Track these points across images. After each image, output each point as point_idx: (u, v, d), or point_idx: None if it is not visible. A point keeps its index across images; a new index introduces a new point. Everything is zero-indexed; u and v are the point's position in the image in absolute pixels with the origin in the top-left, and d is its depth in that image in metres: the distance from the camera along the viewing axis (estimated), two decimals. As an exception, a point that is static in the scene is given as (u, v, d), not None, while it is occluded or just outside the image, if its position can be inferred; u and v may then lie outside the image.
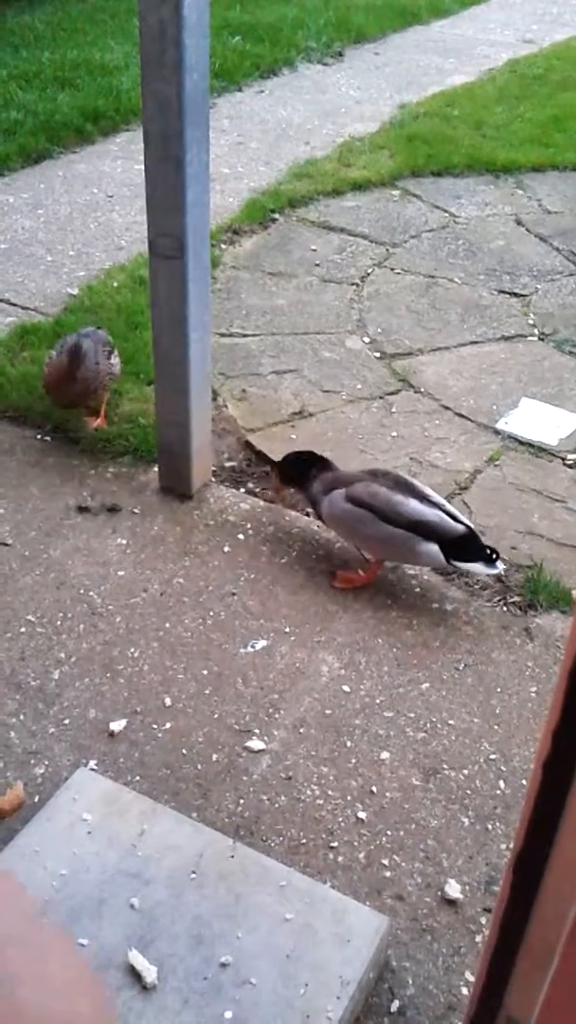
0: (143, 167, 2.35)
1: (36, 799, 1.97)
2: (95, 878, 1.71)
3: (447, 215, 4.72)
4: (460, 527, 2.43)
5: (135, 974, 1.57)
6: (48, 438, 3.03)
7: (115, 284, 3.84)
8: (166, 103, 2.21)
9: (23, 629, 2.38)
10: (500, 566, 2.44)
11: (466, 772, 2.10)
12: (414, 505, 2.45)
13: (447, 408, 3.32)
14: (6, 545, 2.62)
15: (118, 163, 5.06)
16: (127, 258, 4.08)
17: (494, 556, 2.42)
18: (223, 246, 4.27)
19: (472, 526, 2.47)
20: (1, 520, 2.71)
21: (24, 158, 4.99)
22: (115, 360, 2.98)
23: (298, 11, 7.49)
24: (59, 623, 2.40)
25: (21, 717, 2.16)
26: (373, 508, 2.45)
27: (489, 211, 4.78)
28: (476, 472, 3.01)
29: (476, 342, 3.72)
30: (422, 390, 3.41)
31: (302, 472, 2.63)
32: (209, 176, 2.39)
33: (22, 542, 2.64)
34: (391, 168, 5.09)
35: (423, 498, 2.48)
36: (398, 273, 4.19)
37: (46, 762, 2.06)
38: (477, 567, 2.43)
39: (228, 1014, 1.53)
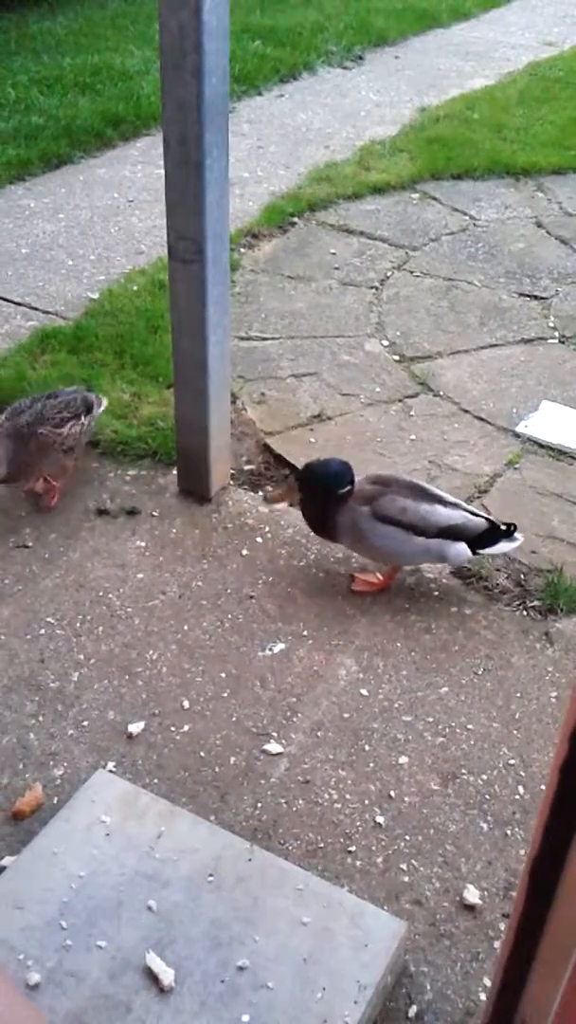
0: (163, 171, 2.36)
1: (55, 800, 1.98)
2: (113, 880, 1.72)
3: (467, 218, 4.71)
4: (483, 521, 2.44)
5: (152, 976, 1.57)
6: (94, 416, 3.04)
7: (135, 288, 3.86)
8: (186, 107, 2.21)
9: (43, 631, 2.39)
10: (519, 536, 2.47)
11: (485, 777, 2.09)
12: (441, 511, 2.42)
13: (466, 411, 3.31)
14: (27, 547, 2.63)
15: (138, 168, 5.08)
16: (147, 262, 4.10)
17: (512, 529, 2.45)
18: (242, 250, 4.28)
19: (487, 516, 2.48)
20: (22, 523, 2.73)
21: (45, 163, 5.02)
22: (72, 429, 2.69)
23: (318, 15, 7.50)
24: (79, 625, 2.41)
25: (40, 718, 2.17)
26: (403, 523, 2.40)
27: (509, 214, 4.77)
28: (495, 476, 3.00)
29: (496, 345, 3.71)
30: (441, 393, 3.40)
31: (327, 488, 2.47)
32: (228, 180, 2.39)
33: (42, 544, 2.65)
34: (411, 171, 5.09)
35: (442, 501, 2.47)
36: (417, 276, 4.18)
37: (65, 763, 2.07)
38: (501, 547, 2.46)
39: (245, 1018, 1.53)
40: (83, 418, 2.75)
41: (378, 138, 5.53)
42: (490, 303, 3.98)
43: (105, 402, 2.94)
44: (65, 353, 3.41)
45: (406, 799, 2.03)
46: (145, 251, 4.23)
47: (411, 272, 4.21)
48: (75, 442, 2.73)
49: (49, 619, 2.42)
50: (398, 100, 6.24)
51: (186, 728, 2.16)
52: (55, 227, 4.43)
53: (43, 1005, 1.54)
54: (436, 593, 2.56)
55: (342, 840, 1.94)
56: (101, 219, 4.53)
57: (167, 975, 1.57)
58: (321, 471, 2.45)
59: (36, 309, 3.76)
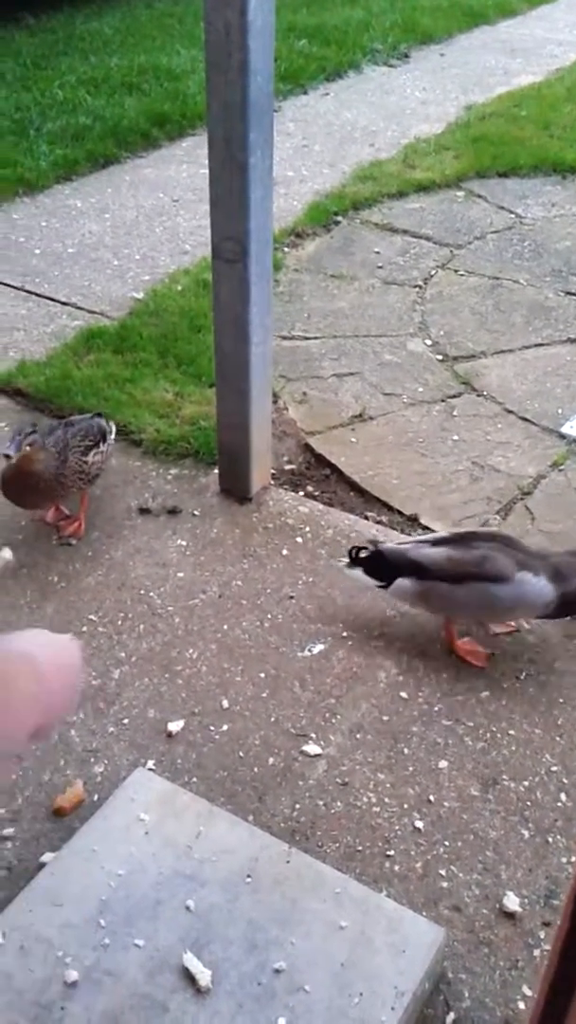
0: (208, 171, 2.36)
1: (95, 797, 1.99)
2: (151, 879, 1.72)
3: (513, 216, 4.66)
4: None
5: (189, 977, 1.57)
6: (111, 442, 3.06)
7: (179, 288, 3.87)
8: (231, 107, 2.21)
9: (85, 628, 2.40)
10: None
11: (526, 783, 2.06)
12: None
13: (510, 411, 3.28)
14: (70, 545, 2.65)
15: (184, 167, 5.10)
16: (191, 262, 4.11)
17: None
18: (286, 249, 4.27)
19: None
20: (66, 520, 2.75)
21: (92, 163, 5.06)
22: (94, 457, 2.62)
23: (364, 13, 7.47)
24: (120, 623, 2.42)
25: (82, 715, 2.18)
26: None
27: (556, 212, 4.71)
28: (540, 477, 2.96)
29: (541, 344, 3.67)
30: (485, 393, 3.37)
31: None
32: (272, 179, 2.39)
33: (85, 542, 2.67)
34: (456, 169, 5.05)
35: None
36: (462, 275, 4.15)
37: (105, 761, 2.08)
38: None
39: (281, 1021, 1.53)
40: (102, 445, 2.67)
41: (423, 136, 5.50)
42: (535, 302, 3.94)
43: (114, 429, 2.84)
44: (109, 353, 3.43)
45: (445, 804, 2.01)
46: (189, 251, 4.25)
47: (455, 271, 4.18)
48: (98, 470, 2.67)
49: (91, 616, 2.44)
50: (444, 98, 6.19)
51: (225, 728, 2.16)
52: (101, 227, 4.46)
53: (80, 1003, 1.55)
54: (478, 596, 2.54)
55: (380, 844, 1.93)
56: (146, 219, 4.56)
57: (204, 976, 1.57)
58: None
59: (82, 309, 3.79)
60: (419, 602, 2.36)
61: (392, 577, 2.34)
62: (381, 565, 2.36)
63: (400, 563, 2.33)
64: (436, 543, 2.36)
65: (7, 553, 2.50)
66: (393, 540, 2.55)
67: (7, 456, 2.42)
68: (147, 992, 1.56)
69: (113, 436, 2.80)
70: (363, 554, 2.39)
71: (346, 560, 2.42)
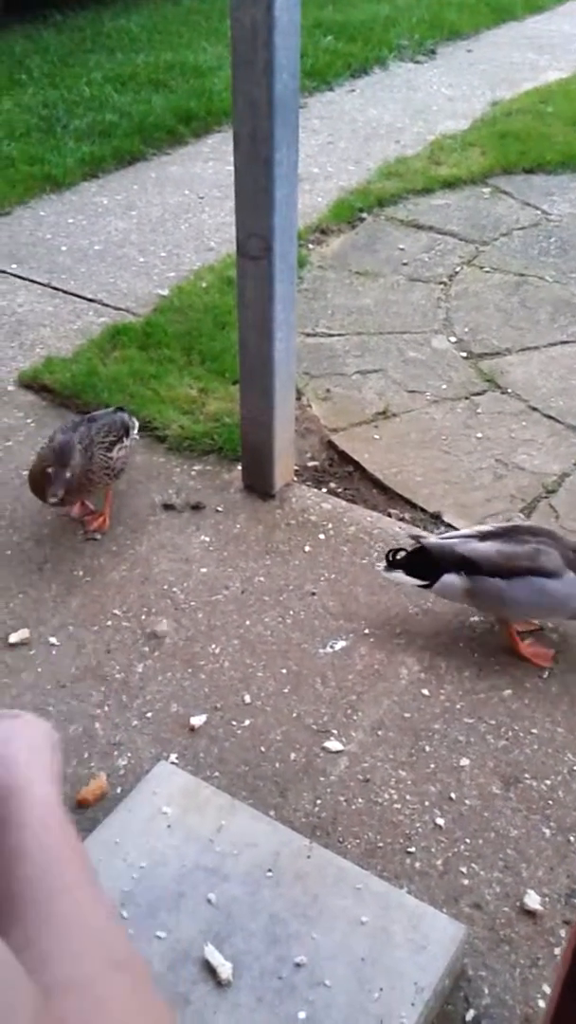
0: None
1: (118, 790, 2.01)
2: (173, 872, 1.73)
3: (539, 212, 4.64)
4: None
5: (210, 969, 1.58)
6: (136, 437, 3.08)
7: (204, 285, 3.89)
8: (256, 104, 2.22)
9: (109, 622, 2.42)
10: None
11: (548, 782, 2.06)
12: None
13: (535, 409, 3.27)
14: (95, 540, 2.67)
15: (209, 164, 5.11)
16: (216, 259, 4.12)
17: None
18: (311, 246, 4.27)
19: None
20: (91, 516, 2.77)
21: (119, 160, 5.08)
22: (118, 452, 2.64)
23: (391, 9, 7.45)
24: (143, 618, 2.44)
25: (106, 708, 2.20)
26: None
27: (583, 208, 4.68)
28: (564, 475, 2.95)
29: (567, 342, 3.65)
30: (509, 391, 3.36)
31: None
32: (298, 177, 2.39)
33: (110, 537, 2.69)
34: (482, 165, 5.03)
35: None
36: (487, 271, 4.13)
37: (128, 754, 2.10)
38: None
39: (302, 1015, 1.53)
40: (125, 440, 2.69)
41: (449, 132, 5.48)
42: (561, 299, 3.91)
43: (136, 424, 2.85)
44: (135, 349, 3.45)
45: (467, 801, 2.01)
46: (215, 248, 4.26)
47: (481, 267, 4.16)
48: (123, 465, 2.69)
49: (115, 611, 2.46)
50: (470, 94, 6.17)
51: (247, 723, 2.17)
52: (127, 224, 4.49)
53: (103, 992, 1.56)
54: (501, 594, 2.53)
55: (401, 841, 1.93)
56: (172, 216, 4.57)
57: (225, 969, 1.58)
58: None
59: (107, 306, 3.81)
60: (467, 599, 2.29)
61: (435, 574, 2.27)
62: (423, 562, 2.28)
63: (447, 559, 2.25)
64: (484, 537, 2.28)
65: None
66: (434, 536, 2.47)
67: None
68: (168, 984, 1.57)
69: (136, 430, 2.81)
70: (400, 555, 2.32)
71: (384, 564, 2.35)
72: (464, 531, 2.39)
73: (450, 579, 2.25)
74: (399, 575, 2.32)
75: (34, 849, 0.67)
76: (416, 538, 2.36)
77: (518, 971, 1.74)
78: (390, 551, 2.35)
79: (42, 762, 0.75)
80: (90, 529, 2.69)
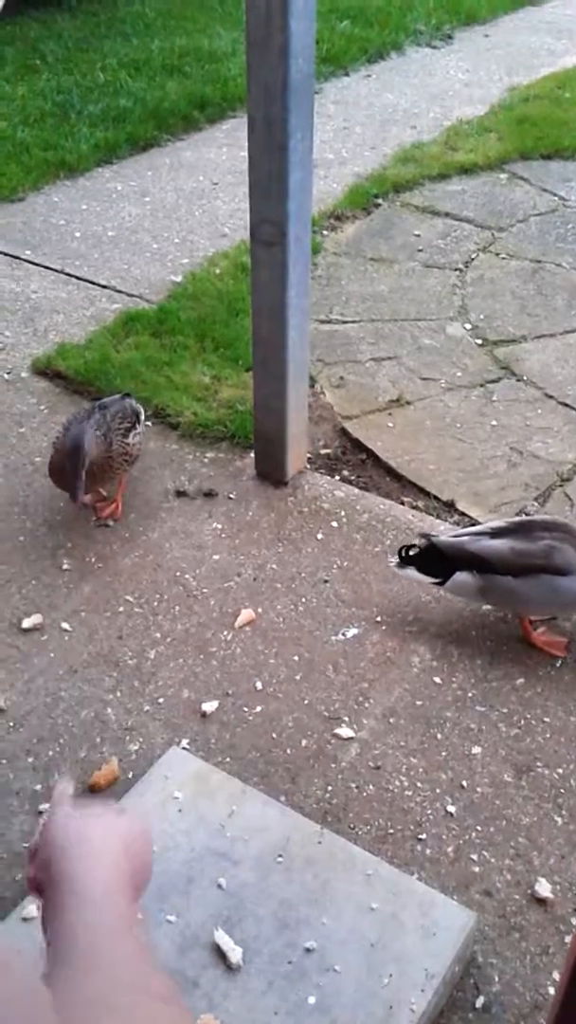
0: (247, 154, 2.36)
1: (130, 775, 2.01)
2: (184, 856, 1.74)
3: (556, 199, 4.60)
4: None
5: (220, 954, 1.59)
6: (148, 423, 3.08)
7: (217, 271, 3.88)
8: (271, 89, 2.20)
9: (121, 608, 2.43)
10: None
11: (560, 771, 2.05)
12: None
13: (550, 397, 3.25)
14: (107, 527, 2.68)
15: (223, 150, 5.09)
16: (230, 245, 4.11)
17: None
18: (325, 232, 4.25)
19: None
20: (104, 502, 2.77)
21: (132, 146, 5.07)
22: (134, 439, 2.63)
23: (407, -7, 7.38)
24: (156, 604, 2.44)
25: (118, 694, 2.21)
26: None
27: (600, 195, 4.64)
28: (579, 464, 2.93)
29: (583, 330, 3.62)
30: (525, 378, 3.34)
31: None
32: (312, 163, 2.38)
33: (123, 524, 2.69)
34: (499, 151, 4.99)
35: None
36: (503, 258, 4.10)
37: (140, 739, 2.10)
38: None
39: (311, 1000, 1.54)
40: (138, 426, 2.68)
41: (466, 118, 5.43)
42: (578, 287, 3.89)
43: (142, 409, 2.82)
44: (148, 336, 3.45)
45: (478, 789, 2.01)
46: (228, 234, 4.24)
47: (497, 254, 4.13)
48: (139, 452, 2.69)
49: (128, 597, 2.46)
50: (487, 79, 6.11)
51: (259, 709, 2.17)
52: (141, 210, 4.48)
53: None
54: (514, 582, 2.52)
55: (412, 828, 1.94)
56: (186, 202, 4.56)
57: (235, 953, 1.58)
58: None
59: (121, 292, 3.81)
60: (480, 597, 2.27)
61: (447, 572, 2.25)
62: (436, 558, 2.26)
63: (459, 557, 2.23)
64: (495, 534, 2.25)
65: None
66: (445, 532, 2.45)
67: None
68: (178, 968, 1.58)
69: (143, 416, 2.81)
70: (413, 552, 2.31)
71: (396, 560, 2.34)
72: (476, 527, 2.36)
73: (462, 578, 2.24)
74: (411, 572, 2.31)
75: (89, 926, 0.71)
76: (427, 536, 2.33)
77: (528, 959, 1.74)
78: (402, 548, 2.34)
79: (111, 863, 0.79)
80: (103, 516, 2.70)
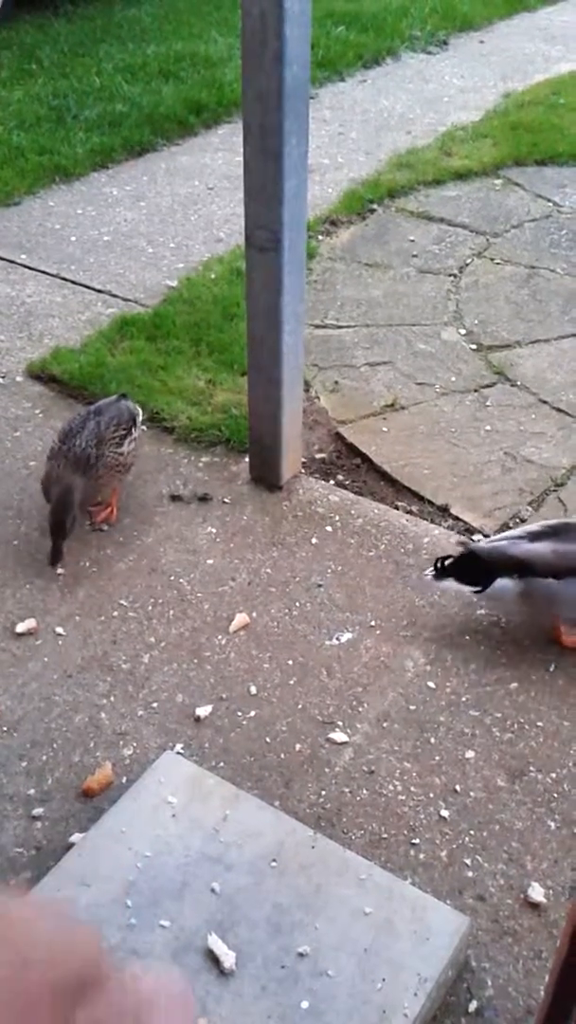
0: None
1: (124, 779, 2.01)
2: (178, 861, 1.74)
3: (550, 204, 4.61)
4: None
5: (214, 958, 1.59)
6: (143, 427, 3.08)
7: (212, 276, 3.88)
8: (265, 96, 2.21)
9: (116, 613, 2.43)
10: None
11: (554, 775, 2.06)
12: None
13: (544, 402, 3.25)
14: (102, 531, 2.68)
15: (219, 155, 5.10)
16: (225, 250, 4.11)
17: None
18: (320, 237, 4.26)
19: None
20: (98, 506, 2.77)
21: (128, 150, 5.07)
22: (128, 446, 2.61)
23: (403, 0, 7.41)
24: (150, 608, 2.44)
25: (112, 699, 2.21)
26: None
27: (594, 201, 4.66)
28: (573, 469, 2.94)
29: (577, 335, 3.63)
30: (519, 383, 3.35)
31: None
32: (307, 168, 2.39)
33: (117, 528, 2.69)
34: (494, 157, 5.00)
35: None
36: (498, 263, 4.12)
37: (134, 744, 2.10)
38: None
39: (304, 1004, 1.54)
40: (134, 432, 2.66)
41: (461, 124, 5.45)
42: (572, 291, 3.90)
43: (140, 411, 2.81)
44: (143, 340, 3.45)
45: (472, 794, 2.01)
46: (224, 239, 4.25)
47: (491, 259, 4.15)
48: (134, 459, 2.67)
49: (122, 601, 2.46)
50: (482, 85, 6.13)
51: (252, 713, 2.18)
52: (136, 215, 4.48)
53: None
54: (508, 587, 2.53)
55: (406, 832, 1.94)
56: (181, 207, 4.57)
57: (228, 958, 1.58)
58: None
59: (116, 296, 3.81)
60: (520, 602, 2.25)
61: (485, 579, 2.21)
62: (472, 567, 2.22)
63: (500, 563, 2.20)
64: (534, 537, 2.23)
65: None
66: (483, 540, 2.41)
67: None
68: (172, 972, 1.58)
69: (141, 418, 2.80)
70: (449, 562, 2.26)
71: (432, 572, 2.29)
72: (511, 532, 2.34)
73: (503, 583, 2.22)
74: (451, 583, 2.27)
75: None
76: (464, 543, 2.31)
77: (521, 963, 1.74)
78: (438, 559, 2.29)
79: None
80: (97, 520, 2.70)
